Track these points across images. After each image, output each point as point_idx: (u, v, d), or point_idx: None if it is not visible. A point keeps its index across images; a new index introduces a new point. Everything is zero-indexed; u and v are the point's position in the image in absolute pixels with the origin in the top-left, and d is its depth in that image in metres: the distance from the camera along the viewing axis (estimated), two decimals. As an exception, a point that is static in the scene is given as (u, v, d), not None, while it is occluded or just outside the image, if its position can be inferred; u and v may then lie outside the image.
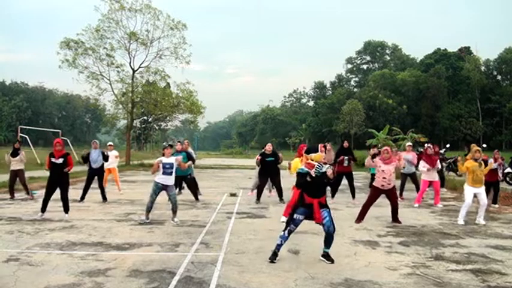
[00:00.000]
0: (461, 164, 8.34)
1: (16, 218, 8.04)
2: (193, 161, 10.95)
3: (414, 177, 11.92)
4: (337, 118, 62.35)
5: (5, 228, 7.11)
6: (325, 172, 5.29)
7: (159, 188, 7.71)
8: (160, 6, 35.60)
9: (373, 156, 8.61)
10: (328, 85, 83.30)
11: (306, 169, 5.27)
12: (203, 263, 5.16)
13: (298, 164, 7.65)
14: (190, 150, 11.74)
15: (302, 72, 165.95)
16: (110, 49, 26.42)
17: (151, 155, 37.99)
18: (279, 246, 5.32)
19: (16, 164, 10.78)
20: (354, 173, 11.47)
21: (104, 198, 10.58)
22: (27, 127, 38.23)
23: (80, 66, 25.79)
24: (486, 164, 8.46)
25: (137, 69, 27.47)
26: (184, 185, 11.88)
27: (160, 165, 7.65)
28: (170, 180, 7.73)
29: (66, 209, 8.15)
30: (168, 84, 29.70)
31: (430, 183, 10.46)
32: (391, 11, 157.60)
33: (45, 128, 53.62)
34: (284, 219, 7.32)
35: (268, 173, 10.54)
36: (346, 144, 11.15)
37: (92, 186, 10.59)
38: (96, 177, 10.61)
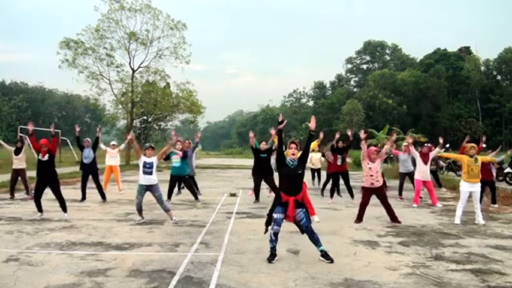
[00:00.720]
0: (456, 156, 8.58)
1: (16, 218, 8.04)
2: (196, 146, 11.62)
3: (413, 177, 11.88)
4: (337, 118, 62.33)
5: (4, 228, 7.11)
6: (300, 164, 5.41)
7: (143, 188, 7.66)
8: (160, 6, 35.70)
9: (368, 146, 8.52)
10: (328, 85, 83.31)
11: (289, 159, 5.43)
12: (203, 263, 5.16)
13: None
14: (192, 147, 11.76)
15: (302, 72, 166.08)
16: (109, 49, 26.49)
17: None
18: (273, 249, 5.32)
19: (18, 163, 10.79)
20: (351, 172, 11.42)
21: (103, 197, 10.58)
22: (27, 127, 38.15)
23: (79, 66, 25.85)
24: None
25: (137, 69, 27.50)
26: (181, 184, 11.86)
27: (141, 165, 7.59)
28: (152, 179, 7.64)
29: (63, 208, 8.08)
30: (168, 84, 29.73)
31: (424, 184, 10.47)
32: (391, 11, 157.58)
33: (45, 128, 53.55)
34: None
35: (262, 170, 10.48)
36: (340, 144, 10.95)
37: (90, 186, 10.59)
38: (90, 176, 10.61)
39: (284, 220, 5.37)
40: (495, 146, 12.40)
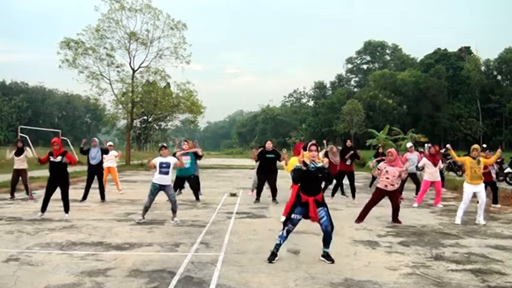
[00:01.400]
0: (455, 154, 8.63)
1: (16, 218, 8.03)
2: (200, 157, 11.06)
3: (415, 177, 11.91)
4: (337, 118, 62.37)
5: (5, 228, 7.11)
6: (322, 167, 5.33)
7: (156, 188, 7.70)
8: (160, 6, 35.64)
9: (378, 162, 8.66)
10: (328, 85, 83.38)
11: (299, 165, 5.32)
12: (203, 263, 5.16)
13: (295, 162, 7.67)
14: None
15: (302, 72, 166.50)
16: (110, 49, 26.52)
17: (151, 155, 37.97)
18: (278, 246, 5.31)
19: (19, 164, 10.81)
20: (354, 173, 11.46)
21: (103, 197, 10.58)
22: (27, 127, 38.22)
23: (80, 66, 25.89)
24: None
25: (137, 69, 27.53)
26: (184, 184, 11.86)
27: (157, 165, 7.65)
28: (167, 180, 7.71)
29: (66, 209, 8.13)
30: (168, 84, 29.77)
31: (432, 184, 10.44)
32: (391, 11, 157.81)
33: (45, 128, 53.65)
34: (284, 218, 7.31)
35: (267, 170, 10.52)
36: (348, 143, 11.14)
37: (92, 186, 10.59)
38: (96, 176, 10.63)
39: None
40: (495, 146, 12.40)
